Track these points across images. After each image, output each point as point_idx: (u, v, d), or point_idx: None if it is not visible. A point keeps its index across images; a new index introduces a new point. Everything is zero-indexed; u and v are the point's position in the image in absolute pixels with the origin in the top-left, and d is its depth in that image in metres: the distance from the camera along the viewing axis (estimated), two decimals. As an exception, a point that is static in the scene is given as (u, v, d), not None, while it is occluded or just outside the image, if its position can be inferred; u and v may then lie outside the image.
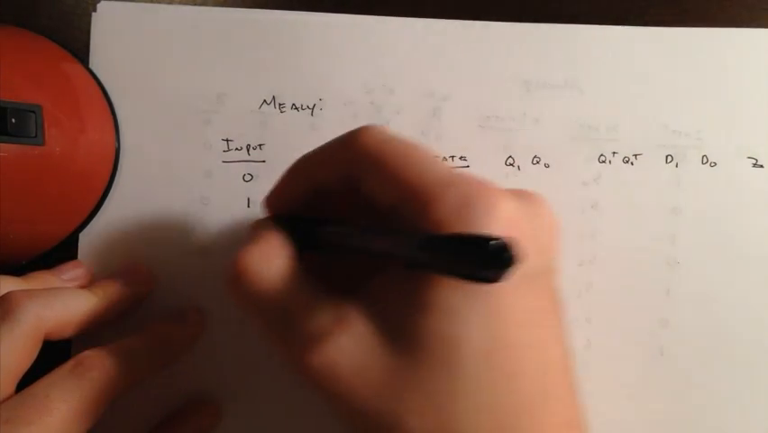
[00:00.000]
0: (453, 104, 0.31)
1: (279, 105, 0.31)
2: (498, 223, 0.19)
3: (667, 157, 0.31)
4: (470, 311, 0.19)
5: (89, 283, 0.30)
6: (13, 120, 0.26)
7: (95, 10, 0.31)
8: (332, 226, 0.23)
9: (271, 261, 0.22)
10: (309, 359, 0.20)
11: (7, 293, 0.25)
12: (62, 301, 0.26)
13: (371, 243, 0.21)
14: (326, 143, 0.24)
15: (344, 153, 0.22)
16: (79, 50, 0.31)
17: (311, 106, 0.31)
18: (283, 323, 0.21)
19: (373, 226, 0.21)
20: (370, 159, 0.21)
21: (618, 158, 0.31)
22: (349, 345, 0.20)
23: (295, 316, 0.21)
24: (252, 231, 0.24)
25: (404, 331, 0.20)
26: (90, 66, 0.31)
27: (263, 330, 0.22)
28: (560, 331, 0.22)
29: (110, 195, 0.31)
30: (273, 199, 0.26)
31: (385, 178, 0.21)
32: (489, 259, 0.16)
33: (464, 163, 0.31)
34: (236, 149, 0.31)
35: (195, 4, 0.32)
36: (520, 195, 0.22)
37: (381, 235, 0.21)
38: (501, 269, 0.16)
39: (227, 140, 0.31)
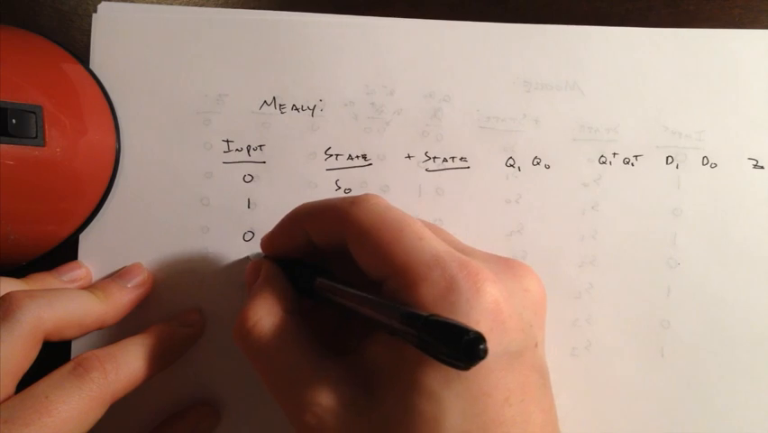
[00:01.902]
0: (454, 105, 0.31)
1: (280, 105, 0.31)
2: (481, 308, 0.21)
3: (667, 158, 0.31)
4: (449, 393, 0.20)
5: (89, 284, 0.30)
6: (14, 121, 0.26)
7: (95, 11, 0.31)
8: (326, 279, 0.24)
9: (272, 317, 0.24)
10: (301, 416, 0.22)
11: (7, 293, 0.25)
12: (62, 302, 0.26)
13: (359, 305, 0.22)
14: (323, 203, 0.25)
15: (337, 222, 0.24)
16: (80, 50, 0.31)
17: (311, 107, 0.31)
18: (280, 381, 0.23)
19: (362, 290, 0.22)
20: (361, 232, 0.23)
21: (619, 159, 0.31)
22: (336, 409, 0.22)
23: (290, 378, 0.23)
24: (252, 273, 0.27)
25: (386, 404, 0.21)
26: (91, 67, 0.31)
27: (263, 380, 0.24)
28: (546, 400, 0.23)
29: (110, 196, 0.31)
30: (269, 242, 0.27)
31: (374, 253, 0.22)
32: (461, 350, 0.17)
33: (465, 164, 0.31)
34: (237, 150, 0.31)
35: (195, 5, 0.32)
36: (506, 268, 0.23)
37: (368, 300, 0.22)
38: (473, 360, 0.17)
39: (228, 141, 0.31)
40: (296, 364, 0.23)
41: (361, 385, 0.22)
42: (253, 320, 0.24)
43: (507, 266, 0.23)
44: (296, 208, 0.26)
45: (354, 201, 0.23)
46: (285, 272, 0.26)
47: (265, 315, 0.24)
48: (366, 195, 0.24)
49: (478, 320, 0.20)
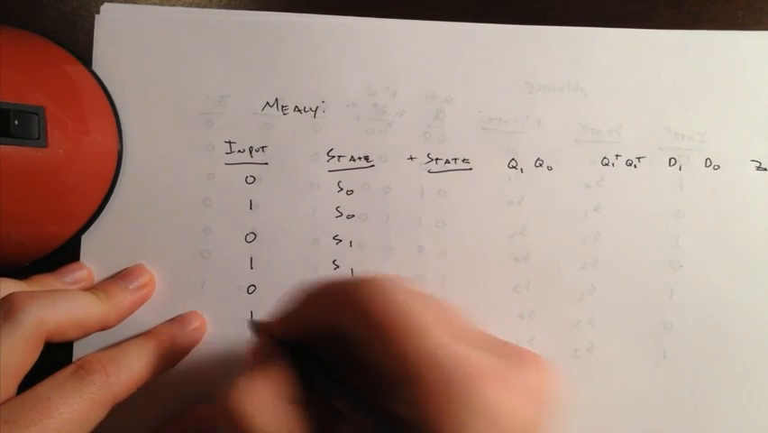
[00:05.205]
0: (456, 106, 0.31)
1: (282, 107, 0.31)
2: (475, 411, 0.19)
3: (670, 160, 0.31)
4: None
5: (91, 286, 0.30)
6: (16, 122, 0.26)
7: (98, 12, 0.31)
8: (322, 377, 0.23)
9: (265, 408, 0.21)
10: None
11: (9, 294, 0.25)
12: (64, 303, 0.26)
13: (347, 410, 0.21)
14: (329, 287, 0.23)
15: (338, 306, 0.22)
16: (82, 52, 0.31)
17: (314, 108, 0.31)
18: None
19: (353, 393, 0.22)
20: (358, 323, 0.21)
21: (621, 161, 0.31)
22: None
23: None
24: (253, 360, 0.23)
25: None
26: (93, 68, 0.31)
27: None
28: None
29: (112, 197, 0.31)
30: (279, 327, 0.25)
31: (369, 345, 0.21)
32: None
33: (467, 166, 0.31)
34: (239, 151, 0.31)
35: (198, 7, 0.32)
36: (511, 360, 0.21)
37: (354, 407, 0.21)
38: None
39: (230, 142, 0.31)
40: None
41: None
42: (236, 402, 0.21)
43: (511, 358, 0.22)
44: (306, 291, 0.23)
45: (359, 285, 0.21)
46: (288, 354, 0.23)
47: (253, 401, 0.21)
48: (374, 279, 0.22)
49: (470, 422, 0.19)
